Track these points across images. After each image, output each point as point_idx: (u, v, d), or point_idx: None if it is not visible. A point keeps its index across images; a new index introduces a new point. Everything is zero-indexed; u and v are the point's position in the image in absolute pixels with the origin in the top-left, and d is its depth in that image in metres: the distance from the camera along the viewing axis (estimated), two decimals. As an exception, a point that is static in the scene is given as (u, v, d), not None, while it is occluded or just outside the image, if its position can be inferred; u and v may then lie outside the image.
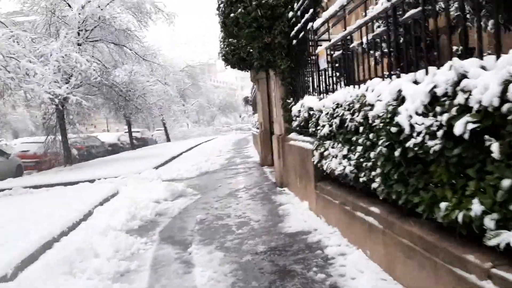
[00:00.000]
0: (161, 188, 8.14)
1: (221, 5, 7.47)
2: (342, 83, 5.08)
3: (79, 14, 14.06)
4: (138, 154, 19.78)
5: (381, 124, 3.06)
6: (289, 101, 7.32)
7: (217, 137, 38.43)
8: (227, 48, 11.90)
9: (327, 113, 4.73)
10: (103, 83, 15.55)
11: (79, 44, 15.34)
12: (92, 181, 11.46)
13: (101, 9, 14.36)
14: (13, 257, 4.33)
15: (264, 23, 7.15)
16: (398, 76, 3.09)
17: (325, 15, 4.59)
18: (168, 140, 36.49)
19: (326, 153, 4.75)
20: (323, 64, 4.96)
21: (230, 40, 11.56)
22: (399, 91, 2.85)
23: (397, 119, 2.76)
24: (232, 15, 7.19)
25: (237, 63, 12.41)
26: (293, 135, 6.88)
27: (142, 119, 22.52)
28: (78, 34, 15.14)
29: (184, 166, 13.22)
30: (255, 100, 19.03)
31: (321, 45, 5.35)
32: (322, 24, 4.78)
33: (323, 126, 4.83)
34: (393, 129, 2.84)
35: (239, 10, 7.06)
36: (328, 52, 5.11)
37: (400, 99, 2.84)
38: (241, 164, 13.74)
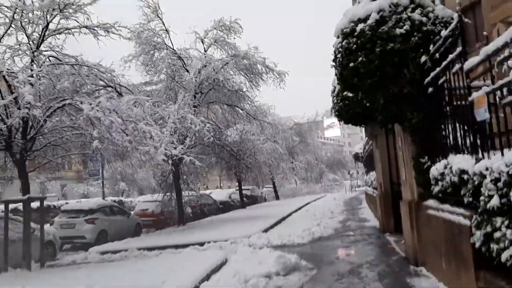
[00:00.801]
0: (272, 260, 7.26)
1: (338, 56, 6.75)
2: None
3: (196, 78, 14.70)
4: (247, 214, 19.43)
5: None
6: (423, 160, 6.07)
7: (326, 195, 36.95)
8: (341, 103, 11.11)
9: (495, 179, 3.49)
10: (216, 143, 15.79)
11: (195, 106, 15.98)
12: (202, 244, 11.12)
13: (216, 72, 14.87)
14: None
15: (389, 72, 6.19)
16: None
17: (485, 50, 3.50)
18: (277, 197, 36.07)
19: (497, 234, 3.45)
20: (482, 114, 3.79)
21: (345, 93, 10.79)
22: None
23: None
24: (351, 65, 6.40)
25: (352, 119, 11.48)
26: (432, 202, 5.56)
27: (252, 178, 22.45)
28: (194, 97, 15.81)
29: (294, 230, 12.27)
30: (369, 157, 17.63)
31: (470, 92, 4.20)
32: (481, 62, 3.67)
33: (490, 196, 3.57)
34: None
35: (360, 59, 6.25)
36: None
37: None
38: (358, 229, 12.31)
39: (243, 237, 11.39)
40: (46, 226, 14.49)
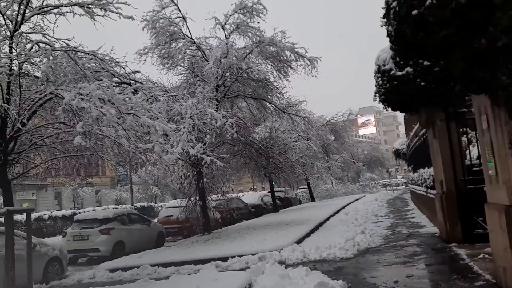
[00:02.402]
0: (309, 288, 5.39)
1: (394, 3, 4.81)
2: None
3: (216, 67, 13.00)
4: (280, 218, 17.54)
5: None
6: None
7: (365, 195, 34.45)
8: (388, 84, 9.07)
9: None
10: (241, 141, 14.01)
11: (217, 101, 14.31)
12: (225, 259, 9.41)
13: (239, 61, 13.11)
14: None
15: (474, 17, 4.18)
16: None
17: None
18: (312, 199, 33.95)
19: None
20: None
21: (392, 73, 8.84)
22: None
23: None
24: (414, 12, 4.43)
25: (401, 103, 9.43)
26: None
27: (284, 179, 20.56)
28: (216, 90, 14.13)
29: (335, 240, 10.31)
30: (417, 152, 15.35)
31: None
32: None
33: None
34: None
35: (428, 2, 4.27)
36: None
37: None
38: (412, 237, 10.21)
39: (274, 249, 9.56)
40: (53, 240, 13.25)
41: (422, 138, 12.97)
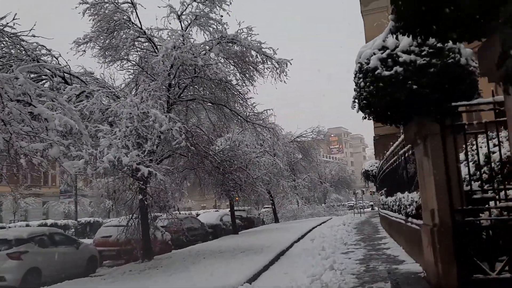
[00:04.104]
0: None
1: None
2: None
3: (167, 60, 10.88)
4: (237, 243, 15.35)
5: None
6: None
7: (332, 217, 32.73)
8: (372, 87, 7.27)
9: None
10: (194, 152, 11.84)
11: (169, 104, 12.16)
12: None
13: (194, 56, 11.05)
14: None
15: None
16: None
17: None
18: (276, 220, 31.87)
19: None
20: None
21: (378, 72, 7.16)
22: None
23: None
24: None
25: (387, 112, 7.63)
26: None
27: (244, 197, 18.46)
28: (168, 90, 11.98)
29: (298, 278, 8.28)
30: (394, 173, 13.69)
31: None
32: None
33: None
34: None
35: None
36: None
37: None
38: (392, 277, 8.29)
39: (219, 291, 7.39)
40: None
41: (402, 158, 11.26)
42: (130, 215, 13.46)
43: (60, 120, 5.35)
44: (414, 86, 6.73)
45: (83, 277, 10.81)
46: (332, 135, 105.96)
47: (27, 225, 19.71)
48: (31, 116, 5.22)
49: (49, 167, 6.12)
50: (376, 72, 7.07)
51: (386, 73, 6.96)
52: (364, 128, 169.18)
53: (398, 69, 6.84)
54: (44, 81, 11.05)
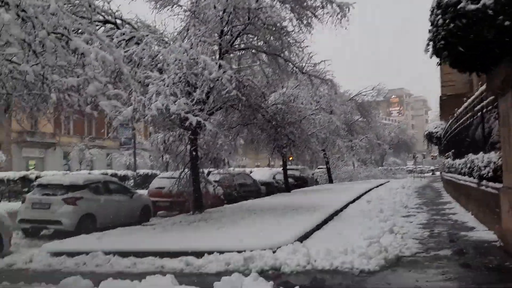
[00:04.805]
0: None
1: None
2: None
3: (217, 2, 10.13)
4: (289, 201, 14.91)
5: None
6: None
7: (390, 181, 31.31)
8: (453, 25, 6.15)
9: None
10: (245, 104, 11.22)
11: (221, 52, 11.54)
12: (200, 254, 6.87)
13: (247, -1, 10.19)
14: None
15: None
16: None
17: None
18: (330, 181, 31.10)
19: None
20: None
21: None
22: None
23: None
24: None
25: (469, 53, 6.47)
26: None
27: (297, 154, 17.79)
28: (220, 37, 11.33)
29: (353, 240, 7.63)
30: (467, 133, 12.31)
31: None
32: None
33: None
34: None
35: None
36: None
37: None
38: (460, 243, 7.43)
39: (269, 247, 6.92)
40: None
41: (479, 114, 9.94)
42: (182, 168, 13.39)
43: (97, 54, 4.90)
44: (506, 22, 5.59)
45: (135, 226, 10.90)
46: (393, 97, 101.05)
47: (89, 174, 20.50)
48: (66, 50, 4.84)
49: (89, 107, 5.75)
50: (458, 7, 5.97)
51: (472, 7, 5.86)
52: (427, 91, 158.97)
53: (487, 1, 5.67)
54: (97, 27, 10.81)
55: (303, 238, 7.84)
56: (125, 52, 9.25)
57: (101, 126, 38.74)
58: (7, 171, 24.21)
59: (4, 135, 35.00)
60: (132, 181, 27.14)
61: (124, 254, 7.30)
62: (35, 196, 10.97)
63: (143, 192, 16.40)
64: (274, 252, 6.70)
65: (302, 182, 27.80)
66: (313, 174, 33.99)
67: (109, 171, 26.95)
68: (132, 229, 10.12)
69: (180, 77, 8.97)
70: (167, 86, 8.68)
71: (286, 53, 12.51)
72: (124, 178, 25.91)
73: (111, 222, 11.19)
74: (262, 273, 5.90)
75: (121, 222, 11.22)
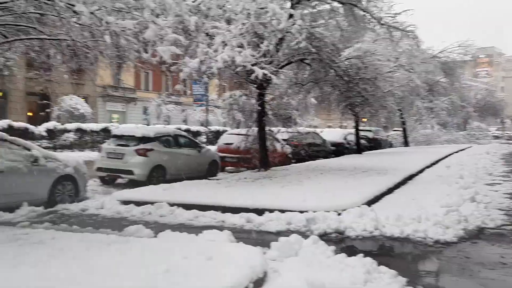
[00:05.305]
0: None
1: None
2: None
3: None
4: (359, 163, 14.23)
5: None
6: None
7: (472, 146, 28.89)
8: None
9: None
10: (316, 58, 10.54)
11: (293, 3, 10.87)
12: (261, 212, 6.71)
13: None
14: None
15: None
16: None
17: None
18: (406, 144, 29.43)
19: None
20: None
21: None
22: None
23: None
24: None
25: None
26: None
27: (370, 114, 16.77)
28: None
29: (428, 204, 7.01)
30: None
31: None
32: None
33: None
34: None
35: None
36: None
37: None
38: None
39: (333, 209, 6.55)
40: (68, 155, 11.56)
41: None
42: (250, 124, 13.26)
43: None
44: None
45: (202, 180, 11.06)
46: (482, 56, 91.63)
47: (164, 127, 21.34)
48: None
49: (145, 51, 5.60)
50: None
51: None
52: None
53: None
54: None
55: (371, 201, 7.33)
56: (192, 1, 8.97)
57: (176, 83, 39.93)
58: (93, 123, 26.04)
59: (90, 89, 37.39)
60: (204, 136, 27.86)
61: (187, 206, 7.37)
62: (110, 146, 11.50)
63: (213, 147, 16.65)
64: (339, 214, 6.33)
65: (375, 144, 26.58)
66: (387, 136, 32.39)
67: (184, 127, 27.84)
68: (198, 182, 10.25)
69: (247, 28, 8.56)
70: (234, 37, 8.33)
71: (364, 2, 11.45)
72: (197, 133, 26.66)
73: (180, 174, 11.43)
74: (324, 235, 5.60)
75: (189, 175, 11.42)
